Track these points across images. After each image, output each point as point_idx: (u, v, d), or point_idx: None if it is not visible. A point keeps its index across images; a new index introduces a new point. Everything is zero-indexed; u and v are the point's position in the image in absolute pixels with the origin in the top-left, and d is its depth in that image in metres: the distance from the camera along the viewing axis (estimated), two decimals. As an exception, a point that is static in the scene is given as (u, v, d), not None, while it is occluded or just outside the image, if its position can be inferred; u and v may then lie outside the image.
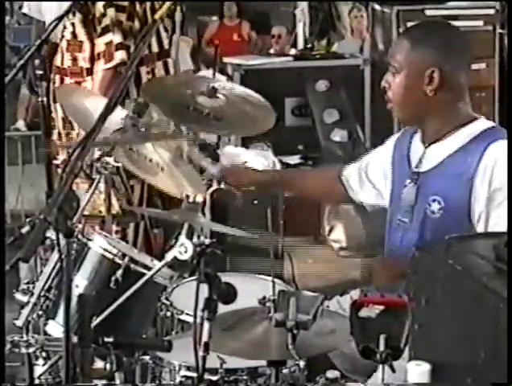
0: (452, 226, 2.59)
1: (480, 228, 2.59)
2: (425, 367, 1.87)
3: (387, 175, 2.90)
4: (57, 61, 4.35)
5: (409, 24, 5.81)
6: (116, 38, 4.16)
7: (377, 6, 6.41)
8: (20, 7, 10.29)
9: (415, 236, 2.71)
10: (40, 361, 2.76)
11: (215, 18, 10.10)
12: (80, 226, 2.87)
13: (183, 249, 2.74)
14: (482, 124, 2.71)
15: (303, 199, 3.51)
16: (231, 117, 3.12)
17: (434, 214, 2.66)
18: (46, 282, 2.80)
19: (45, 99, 3.15)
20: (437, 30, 2.80)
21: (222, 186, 3.11)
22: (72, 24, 4.26)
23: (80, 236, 2.84)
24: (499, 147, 2.61)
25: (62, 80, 4.33)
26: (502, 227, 2.53)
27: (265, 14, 9.95)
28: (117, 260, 2.83)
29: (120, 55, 4.15)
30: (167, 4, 2.49)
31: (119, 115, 2.90)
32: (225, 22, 9.90)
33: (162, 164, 3.15)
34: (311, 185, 3.21)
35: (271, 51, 8.55)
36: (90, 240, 2.87)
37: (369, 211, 3.05)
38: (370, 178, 2.97)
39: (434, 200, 2.66)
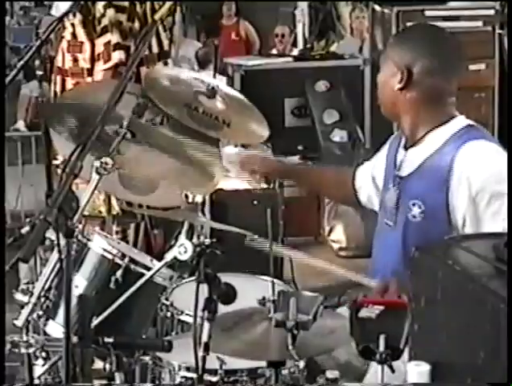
0: (433, 230, 2.57)
1: (468, 231, 2.56)
2: (425, 367, 1.87)
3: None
4: (58, 62, 4.35)
5: (409, 25, 5.82)
6: (114, 38, 4.16)
7: (377, 7, 6.42)
8: (21, 7, 10.34)
9: (398, 238, 2.69)
10: (40, 361, 2.76)
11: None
12: (80, 226, 2.87)
13: (182, 249, 2.74)
14: (458, 122, 2.68)
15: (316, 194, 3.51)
16: (231, 122, 3.12)
17: (415, 218, 2.65)
18: (46, 282, 2.80)
19: (45, 99, 3.15)
20: (420, 32, 2.85)
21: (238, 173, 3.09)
22: (72, 25, 4.26)
23: (79, 237, 2.84)
24: (473, 146, 2.59)
25: (63, 81, 4.34)
26: (500, 222, 2.52)
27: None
28: (117, 260, 2.83)
29: (117, 56, 4.15)
30: (167, 4, 2.50)
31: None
32: (222, 22, 9.90)
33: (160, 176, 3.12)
34: (327, 186, 3.22)
35: (274, 50, 8.57)
36: (90, 240, 2.87)
37: (369, 212, 3.05)
38: (378, 184, 2.97)
39: (414, 204, 2.65)
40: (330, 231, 5.85)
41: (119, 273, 2.80)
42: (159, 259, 2.85)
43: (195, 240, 2.92)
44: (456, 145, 2.61)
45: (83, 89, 3.64)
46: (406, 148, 2.75)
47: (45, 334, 2.83)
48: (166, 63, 4.45)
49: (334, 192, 3.25)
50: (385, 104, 2.80)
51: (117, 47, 4.17)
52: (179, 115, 3.06)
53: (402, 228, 2.69)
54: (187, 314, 2.80)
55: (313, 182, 3.24)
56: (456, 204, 2.58)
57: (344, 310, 2.85)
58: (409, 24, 5.81)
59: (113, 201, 4.03)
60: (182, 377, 2.61)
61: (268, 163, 3.14)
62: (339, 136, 6.18)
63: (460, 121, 2.69)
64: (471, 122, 2.71)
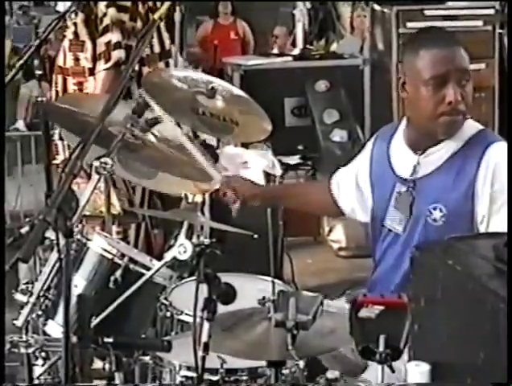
0: (455, 232, 2.55)
1: (482, 229, 2.57)
2: (425, 367, 1.87)
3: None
4: (59, 61, 4.35)
5: (408, 24, 5.82)
6: (114, 37, 4.16)
7: (376, 6, 6.42)
8: (20, 7, 10.32)
9: (413, 242, 2.64)
10: (39, 361, 2.76)
11: (208, 18, 10.09)
12: (80, 226, 2.87)
13: (182, 249, 2.73)
14: (472, 126, 2.70)
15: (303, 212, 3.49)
16: (238, 121, 3.13)
17: (436, 222, 2.63)
18: (45, 282, 2.80)
19: (45, 99, 3.15)
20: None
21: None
22: (74, 24, 4.26)
23: (79, 236, 2.84)
24: (497, 149, 2.61)
25: (64, 80, 4.33)
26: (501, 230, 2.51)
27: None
28: (116, 260, 2.83)
29: (117, 54, 4.14)
30: (167, 4, 2.50)
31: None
32: (219, 22, 9.89)
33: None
34: (306, 201, 3.17)
35: (275, 50, 8.58)
36: (89, 240, 2.87)
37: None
38: (363, 191, 2.93)
39: (435, 208, 2.63)
40: (330, 231, 5.84)
41: (118, 272, 2.80)
42: (159, 259, 2.85)
43: (194, 239, 2.92)
44: (480, 148, 2.61)
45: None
46: (416, 151, 2.70)
47: (44, 334, 2.82)
48: (167, 63, 4.45)
49: (314, 206, 3.20)
50: (470, 109, 2.69)
51: (117, 46, 4.17)
52: (191, 124, 3.08)
53: (418, 233, 2.66)
54: (186, 314, 2.80)
55: (293, 201, 3.21)
56: (480, 206, 2.58)
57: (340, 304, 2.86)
58: (409, 24, 5.83)
59: (115, 201, 4.03)
60: (182, 377, 2.61)
61: (247, 188, 3.08)
62: (339, 136, 6.18)
63: (473, 124, 2.71)
64: (481, 126, 2.73)
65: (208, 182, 3.01)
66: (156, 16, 2.49)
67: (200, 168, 2.90)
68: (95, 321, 2.64)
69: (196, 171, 2.90)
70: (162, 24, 4.23)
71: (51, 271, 2.79)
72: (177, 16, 6.19)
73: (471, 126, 2.69)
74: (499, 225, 2.54)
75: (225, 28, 9.80)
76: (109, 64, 4.18)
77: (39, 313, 2.80)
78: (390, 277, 2.73)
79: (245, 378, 2.55)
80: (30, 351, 2.73)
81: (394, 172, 2.75)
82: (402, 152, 2.76)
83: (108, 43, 4.19)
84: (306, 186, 3.23)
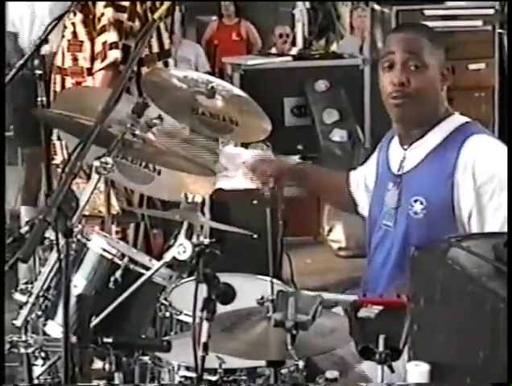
0: (436, 225, 2.58)
1: (473, 225, 2.58)
2: (424, 367, 1.87)
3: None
4: (58, 61, 4.35)
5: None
6: (110, 37, 4.15)
7: (376, 6, 6.42)
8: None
9: (398, 237, 2.69)
10: (39, 361, 2.76)
11: (214, 17, 10.10)
12: (80, 226, 2.87)
13: (181, 249, 2.74)
14: (457, 119, 2.71)
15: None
16: (238, 121, 3.13)
17: (417, 214, 2.65)
18: (45, 282, 2.79)
19: (45, 99, 3.15)
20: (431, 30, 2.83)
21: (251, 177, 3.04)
22: (73, 24, 4.25)
23: (79, 236, 2.84)
24: (476, 141, 2.62)
25: (63, 80, 4.33)
26: (501, 219, 2.53)
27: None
28: (116, 260, 2.83)
29: (113, 54, 4.13)
30: (166, 4, 2.50)
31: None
32: (223, 22, 9.88)
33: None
34: (327, 188, 3.18)
35: (273, 50, 8.57)
36: (89, 240, 2.87)
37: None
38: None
39: (416, 201, 2.65)
40: (330, 230, 5.84)
41: (118, 272, 2.80)
42: (159, 259, 2.85)
43: (194, 239, 2.92)
44: (460, 139, 2.62)
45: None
46: (403, 146, 2.75)
47: (44, 334, 2.82)
48: (166, 63, 4.44)
49: (334, 197, 3.22)
50: (427, 104, 2.68)
51: (113, 46, 4.16)
52: (191, 124, 3.09)
53: (402, 228, 2.68)
54: (186, 314, 2.80)
55: (318, 186, 3.20)
56: (462, 198, 2.59)
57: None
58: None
59: (114, 201, 4.03)
60: (181, 377, 2.61)
61: (279, 166, 3.04)
62: (339, 135, 6.18)
63: (458, 118, 2.72)
64: (468, 119, 2.74)
65: (210, 177, 3.02)
66: (155, 16, 2.49)
67: (200, 162, 2.91)
68: (95, 321, 2.64)
69: (196, 166, 2.90)
70: (161, 24, 4.23)
71: (50, 271, 2.79)
72: (177, 16, 6.19)
73: (456, 119, 2.71)
74: (495, 213, 2.55)
75: (227, 29, 9.79)
76: (105, 64, 4.16)
77: (39, 313, 2.80)
78: (378, 275, 2.74)
79: (243, 378, 2.56)
80: (29, 351, 2.73)
81: (389, 170, 2.79)
82: (395, 149, 2.80)
83: (104, 43, 4.18)
84: (330, 174, 3.24)
